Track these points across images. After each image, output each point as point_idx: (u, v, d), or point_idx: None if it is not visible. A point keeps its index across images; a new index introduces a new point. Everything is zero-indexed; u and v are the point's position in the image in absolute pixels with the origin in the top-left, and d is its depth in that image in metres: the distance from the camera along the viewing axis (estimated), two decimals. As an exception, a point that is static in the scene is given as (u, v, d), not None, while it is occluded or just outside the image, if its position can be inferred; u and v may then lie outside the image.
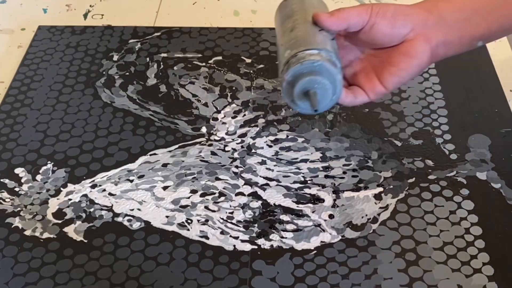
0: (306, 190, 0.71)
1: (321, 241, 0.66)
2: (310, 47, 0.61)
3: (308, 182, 0.72)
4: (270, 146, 0.76)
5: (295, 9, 0.66)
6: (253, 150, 0.75)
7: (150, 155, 0.75)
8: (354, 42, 0.66)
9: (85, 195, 0.71)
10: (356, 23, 0.63)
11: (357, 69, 0.66)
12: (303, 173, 0.73)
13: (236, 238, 0.67)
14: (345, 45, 0.67)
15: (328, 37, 0.63)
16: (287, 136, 0.77)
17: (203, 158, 0.74)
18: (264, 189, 0.71)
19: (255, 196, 0.71)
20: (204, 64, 0.86)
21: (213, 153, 0.75)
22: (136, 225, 0.68)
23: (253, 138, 0.77)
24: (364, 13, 0.62)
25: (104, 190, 0.71)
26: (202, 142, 0.76)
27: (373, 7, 0.62)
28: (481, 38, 0.65)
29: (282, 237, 0.67)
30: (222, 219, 0.69)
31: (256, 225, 0.68)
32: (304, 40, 0.62)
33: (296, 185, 0.71)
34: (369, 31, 0.63)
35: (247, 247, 0.66)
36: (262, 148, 0.76)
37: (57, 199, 0.71)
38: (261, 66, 0.86)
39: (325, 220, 0.68)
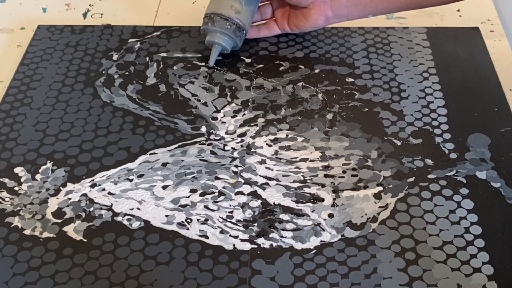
0: (306, 190, 0.71)
1: (321, 241, 0.66)
2: (223, 14, 0.82)
3: (308, 181, 0.72)
4: (270, 146, 0.76)
5: None
6: (252, 150, 0.75)
7: (150, 154, 0.75)
8: None
9: (85, 195, 0.71)
10: None
11: (280, 6, 0.88)
12: (302, 173, 0.73)
13: (236, 237, 0.67)
14: None
15: None
16: (287, 135, 0.77)
17: (202, 157, 0.74)
18: (264, 188, 0.71)
19: (254, 195, 0.71)
20: (203, 63, 0.86)
21: (212, 153, 0.75)
22: (135, 224, 0.68)
23: (253, 137, 0.77)
24: None
25: (104, 189, 0.71)
26: (201, 142, 0.76)
27: None
28: (370, 14, 0.84)
29: (282, 237, 0.67)
30: (222, 218, 0.69)
31: (255, 224, 0.68)
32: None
33: (296, 185, 0.71)
34: None
35: (247, 246, 0.66)
36: (262, 147, 0.76)
37: (57, 198, 0.71)
38: (261, 65, 0.86)
39: (324, 220, 0.68)
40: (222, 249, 0.66)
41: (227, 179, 0.72)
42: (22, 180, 0.73)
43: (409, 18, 0.94)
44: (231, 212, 0.69)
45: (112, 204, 0.70)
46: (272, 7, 0.88)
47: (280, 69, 0.85)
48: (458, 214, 0.68)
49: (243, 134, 0.77)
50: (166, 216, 0.69)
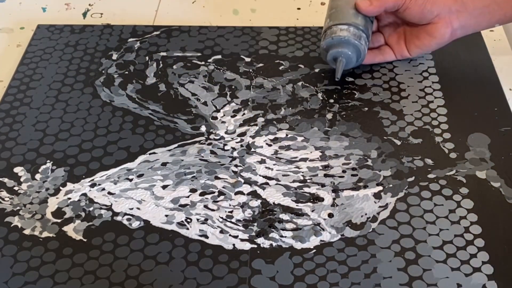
0: (306, 189, 0.71)
1: (321, 240, 0.66)
2: (343, 21, 0.78)
3: (308, 181, 0.72)
4: (270, 145, 0.76)
5: None
6: (252, 149, 0.75)
7: (150, 154, 0.75)
8: (392, 13, 0.82)
9: (85, 194, 0.71)
10: (391, 8, 0.79)
11: (392, 32, 0.84)
12: (302, 172, 0.73)
13: (236, 237, 0.67)
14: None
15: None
16: (287, 135, 0.77)
17: (202, 157, 0.74)
18: (264, 188, 0.71)
19: (254, 195, 0.71)
20: (203, 63, 0.86)
21: (212, 152, 0.75)
22: (135, 224, 0.68)
23: (253, 137, 0.77)
24: (400, 0, 0.78)
25: (104, 189, 0.71)
26: (201, 141, 0.76)
27: None
28: (497, 22, 0.79)
29: (282, 236, 0.67)
30: (222, 218, 0.69)
31: (255, 224, 0.68)
32: (340, 12, 0.79)
33: (296, 184, 0.71)
34: (403, 12, 0.79)
35: (247, 246, 0.66)
36: (262, 147, 0.75)
37: (56, 198, 0.71)
38: (261, 65, 0.86)
39: (324, 219, 0.68)
40: (221, 249, 0.66)
41: (227, 178, 0.72)
42: (21, 179, 0.73)
43: (409, 18, 0.94)
44: (231, 211, 0.69)
45: (111, 204, 0.70)
46: (384, 35, 0.85)
47: (280, 68, 0.85)
48: (458, 214, 0.68)
49: (243, 134, 0.77)
50: (166, 215, 0.69)
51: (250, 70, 0.85)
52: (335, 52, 0.79)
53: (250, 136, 0.77)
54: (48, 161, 0.74)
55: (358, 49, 0.79)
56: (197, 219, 0.68)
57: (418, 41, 0.81)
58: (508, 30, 0.92)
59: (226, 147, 0.76)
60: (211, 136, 0.77)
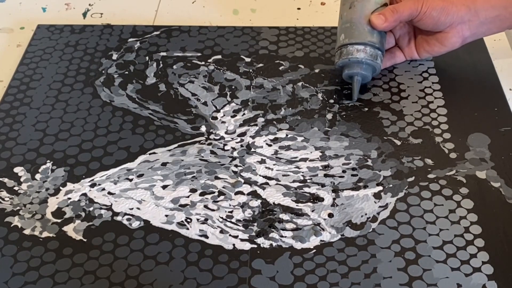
0: (306, 189, 0.71)
1: (321, 240, 0.66)
2: (359, 40, 0.78)
3: (308, 181, 0.72)
4: (270, 145, 0.76)
5: None
6: (252, 149, 0.75)
7: (150, 154, 0.75)
8: None
9: (85, 194, 0.71)
10: (406, 20, 0.79)
11: (403, 33, 0.84)
12: (302, 172, 0.73)
13: (236, 237, 0.67)
14: None
15: None
16: (287, 135, 0.77)
17: (202, 157, 0.74)
18: (264, 188, 0.71)
19: (254, 195, 0.71)
20: (203, 63, 0.86)
21: (212, 152, 0.75)
22: (135, 224, 0.68)
23: (253, 137, 0.77)
24: (414, 12, 0.78)
25: (104, 189, 0.71)
26: (201, 141, 0.76)
27: (423, 7, 0.77)
28: (507, 28, 0.80)
29: (282, 236, 0.67)
30: (222, 218, 0.69)
31: (255, 224, 0.68)
32: (356, 29, 0.78)
33: (296, 184, 0.71)
34: (416, 22, 0.79)
35: (247, 246, 0.66)
36: (262, 147, 0.75)
37: (56, 198, 0.71)
38: (261, 65, 0.86)
39: (324, 219, 0.68)
40: (222, 249, 0.66)
41: (227, 178, 0.72)
42: (21, 179, 0.73)
43: (409, 18, 0.94)
44: (231, 211, 0.69)
45: (111, 204, 0.70)
46: (394, 35, 0.84)
47: (280, 68, 0.85)
48: (458, 214, 0.68)
49: (243, 134, 0.77)
50: (166, 215, 0.69)
51: (250, 70, 0.85)
52: (352, 72, 0.79)
53: (250, 136, 0.77)
54: (48, 161, 0.74)
55: (374, 68, 0.79)
56: (197, 219, 0.68)
57: (428, 47, 0.82)
58: (508, 30, 0.92)
59: (226, 147, 0.76)
60: (211, 136, 0.77)
